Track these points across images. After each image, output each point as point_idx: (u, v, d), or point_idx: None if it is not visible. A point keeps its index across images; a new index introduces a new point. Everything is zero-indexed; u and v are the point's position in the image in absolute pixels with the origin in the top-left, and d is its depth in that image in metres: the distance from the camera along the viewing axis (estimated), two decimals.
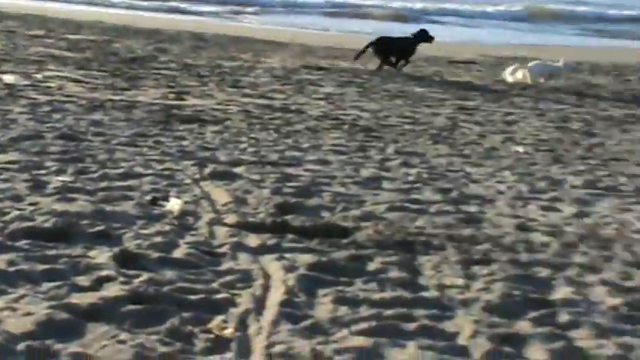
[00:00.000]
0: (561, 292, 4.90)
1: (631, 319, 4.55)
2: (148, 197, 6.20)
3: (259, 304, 4.42)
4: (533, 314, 4.53)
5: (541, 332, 4.29)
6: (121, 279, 4.57)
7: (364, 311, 4.41)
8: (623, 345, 4.20)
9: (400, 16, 31.19)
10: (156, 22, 23.07)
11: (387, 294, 4.69)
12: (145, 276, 4.64)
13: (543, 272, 5.23)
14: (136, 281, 4.55)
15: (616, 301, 4.78)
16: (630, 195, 7.48)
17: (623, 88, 15.31)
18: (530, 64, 15.10)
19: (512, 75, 14.92)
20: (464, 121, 10.91)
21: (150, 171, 7.04)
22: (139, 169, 7.06)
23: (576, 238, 5.98)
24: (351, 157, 8.21)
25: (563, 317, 4.52)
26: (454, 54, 19.88)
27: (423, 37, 15.73)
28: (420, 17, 31.91)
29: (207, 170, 7.20)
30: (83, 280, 4.54)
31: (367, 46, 15.62)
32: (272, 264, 5.04)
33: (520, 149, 9.17)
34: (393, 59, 15.61)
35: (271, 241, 5.44)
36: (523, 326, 4.37)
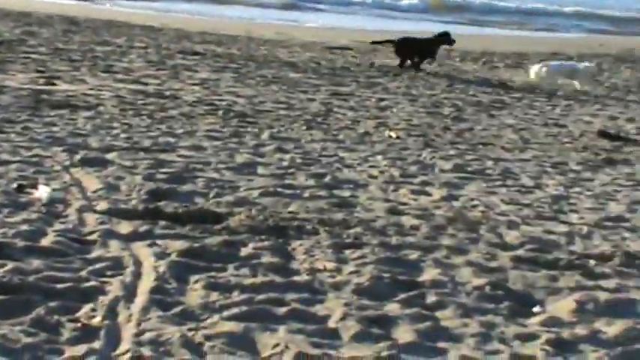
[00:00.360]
0: (429, 273, 5.03)
1: (494, 298, 4.71)
2: (14, 185, 6.04)
3: (129, 292, 4.37)
4: (402, 296, 4.63)
5: (409, 313, 4.39)
6: None
7: (236, 297, 4.42)
8: (486, 323, 4.35)
9: (288, 5, 31.17)
10: (26, 4, 22.35)
11: (259, 279, 4.72)
12: (10, 265, 4.51)
13: (413, 255, 5.35)
14: (0, 271, 4.43)
15: (480, 281, 4.94)
16: (496, 178, 7.72)
17: (491, 75, 15.76)
18: (551, 63, 15.11)
19: (536, 72, 14.79)
20: (338, 106, 11.01)
21: (17, 158, 6.84)
22: (5, 156, 6.85)
23: (445, 221, 6.13)
24: (225, 143, 8.18)
25: (431, 298, 4.64)
26: (330, 40, 20.00)
27: (446, 39, 15.63)
28: (299, 5, 31.96)
29: (77, 157, 7.06)
30: None
31: (387, 41, 15.82)
32: (143, 251, 4.99)
33: (392, 134, 9.32)
34: (416, 59, 15.39)
35: (143, 228, 5.38)
36: (392, 308, 4.46)
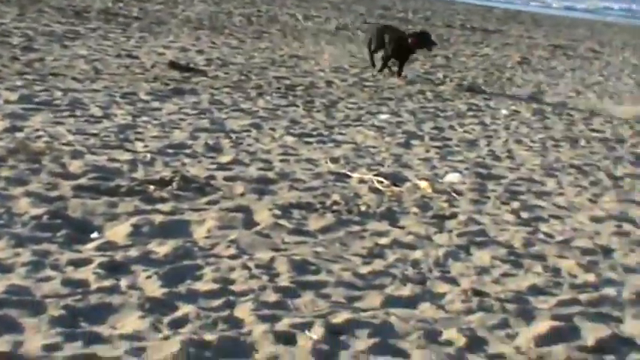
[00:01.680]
0: None
1: (51, 227, 4.71)
2: None
3: None
4: None
5: None
6: None
7: None
8: (40, 252, 4.33)
9: None
10: None
11: None
12: None
13: None
14: None
15: (39, 210, 4.90)
16: (65, 109, 7.64)
17: (66, 4, 15.37)
18: None
19: None
20: None
21: None
22: None
23: (5, 153, 5.96)
24: None
25: None
26: None
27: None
28: None
29: None
30: None
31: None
32: None
33: None
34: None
35: None
36: None
